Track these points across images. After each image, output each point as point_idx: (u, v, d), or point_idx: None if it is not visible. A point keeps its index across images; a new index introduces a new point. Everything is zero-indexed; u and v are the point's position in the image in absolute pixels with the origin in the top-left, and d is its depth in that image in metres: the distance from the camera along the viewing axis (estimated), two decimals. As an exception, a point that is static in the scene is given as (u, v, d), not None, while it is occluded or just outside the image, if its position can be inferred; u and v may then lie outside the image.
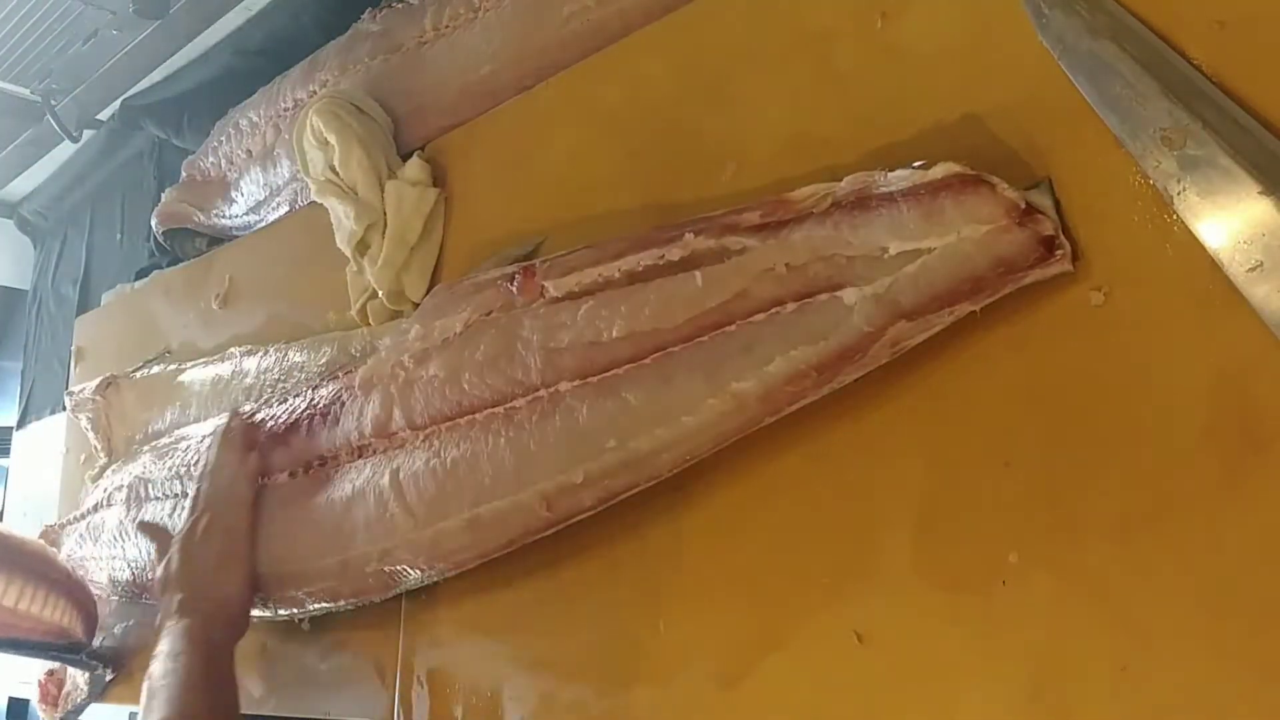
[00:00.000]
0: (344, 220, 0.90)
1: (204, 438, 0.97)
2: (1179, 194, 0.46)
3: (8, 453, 1.83)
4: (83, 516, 1.17)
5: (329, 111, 0.91)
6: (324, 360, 0.93)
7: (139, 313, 1.35)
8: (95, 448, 1.27)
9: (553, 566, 0.70)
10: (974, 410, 0.52)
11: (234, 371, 1.05)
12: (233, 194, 1.17)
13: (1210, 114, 0.45)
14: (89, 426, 1.28)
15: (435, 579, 0.73)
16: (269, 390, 0.98)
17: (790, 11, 0.66)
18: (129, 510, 1.06)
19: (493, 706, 0.72)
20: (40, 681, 1.25)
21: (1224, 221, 0.45)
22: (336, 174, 0.91)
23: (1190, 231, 0.46)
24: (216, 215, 1.21)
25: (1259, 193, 0.43)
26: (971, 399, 0.53)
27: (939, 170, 0.53)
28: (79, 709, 1.17)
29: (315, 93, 1.03)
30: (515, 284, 0.71)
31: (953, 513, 0.52)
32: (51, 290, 1.83)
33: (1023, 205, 0.50)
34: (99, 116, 1.56)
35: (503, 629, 0.73)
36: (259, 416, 0.90)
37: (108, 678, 1.12)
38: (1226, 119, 0.45)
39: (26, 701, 1.62)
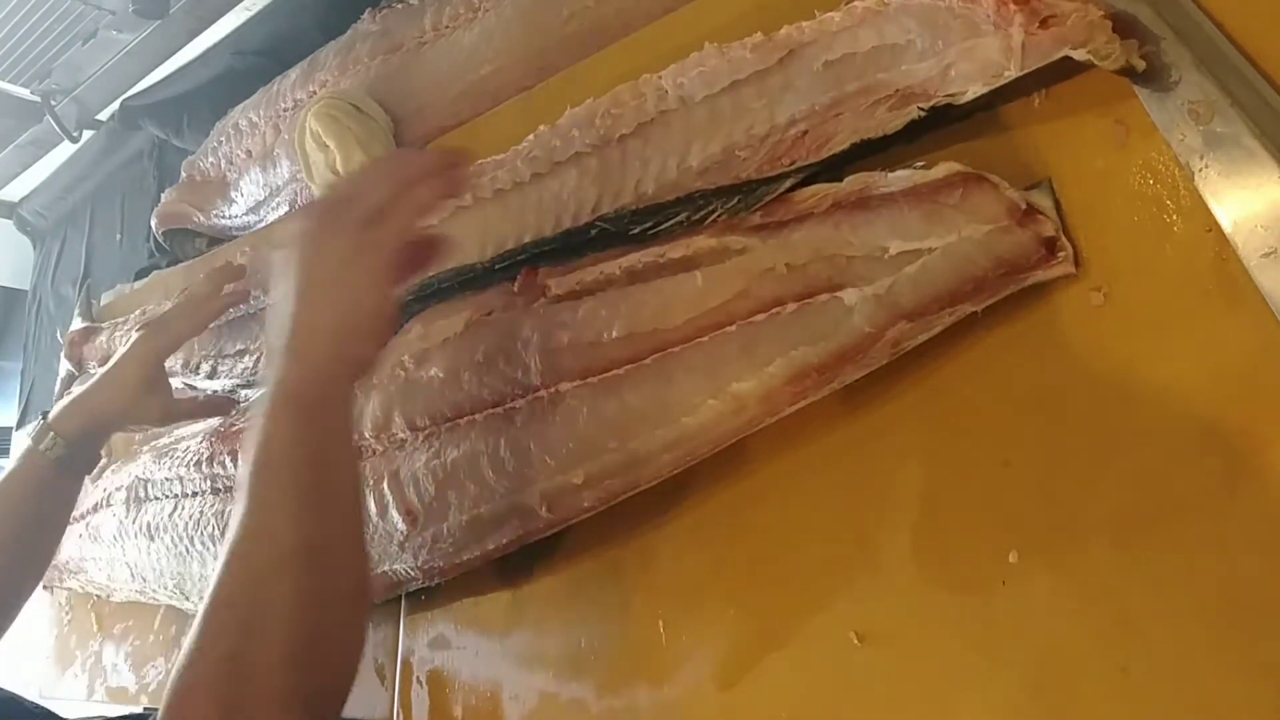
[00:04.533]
0: (344, 220, 0.90)
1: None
2: (1200, 170, 0.45)
3: (8, 453, 1.82)
4: (82, 516, 1.16)
5: (327, 115, 0.91)
6: (324, 360, 0.93)
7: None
8: (95, 448, 1.26)
9: (553, 566, 0.70)
10: (974, 410, 0.52)
11: (234, 371, 1.05)
12: (232, 194, 1.17)
13: (1242, 92, 0.44)
14: (89, 426, 1.27)
15: (435, 580, 0.73)
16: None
17: (790, 11, 0.66)
18: (129, 510, 1.06)
19: (492, 706, 0.71)
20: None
21: (1242, 203, 0.43)
22: (338, 175, 0.91)
23: (1190, 231, 0.46)
24: (216, 215, 1.21)
25: (1281, 178, 0.42)
26: (971, 398, 0.53)
27: (939, 170, 0.53)
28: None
29: (315, 93, 1.03)
30: (515, 284, 0.71)
31: (953, 513, 0.52)
32: (51, 290, 1.83)
33: (1023, 205, 0.50)
34: (99, 116, 1.56)
35: (503, 629, 0.73)
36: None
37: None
38: (1258, 99, 0.44)
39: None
